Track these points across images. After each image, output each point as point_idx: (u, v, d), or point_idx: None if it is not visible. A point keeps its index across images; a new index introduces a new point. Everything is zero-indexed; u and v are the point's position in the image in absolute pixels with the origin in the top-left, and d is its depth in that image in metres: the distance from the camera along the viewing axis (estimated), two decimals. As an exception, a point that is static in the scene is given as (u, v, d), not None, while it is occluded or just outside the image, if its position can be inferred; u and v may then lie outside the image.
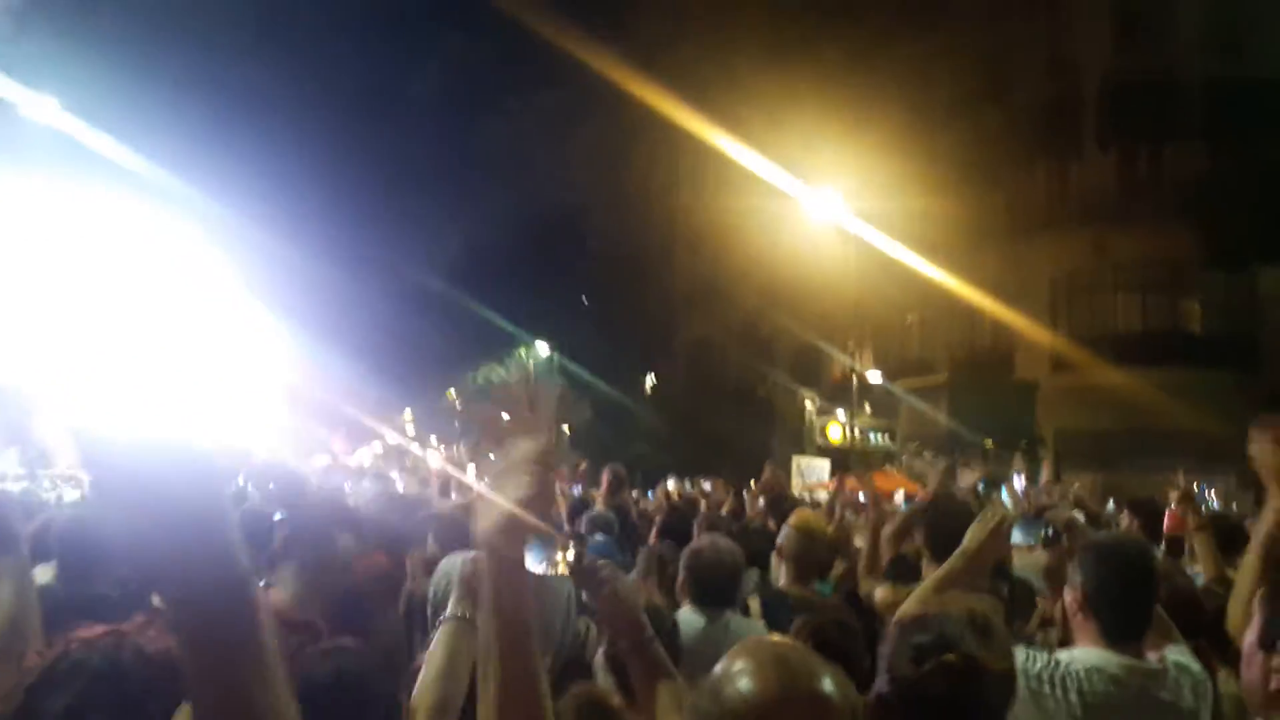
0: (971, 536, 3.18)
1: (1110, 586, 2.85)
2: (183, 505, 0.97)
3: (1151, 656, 2.78)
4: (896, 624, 2.32)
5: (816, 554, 4.56)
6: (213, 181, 21.26)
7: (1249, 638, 2.76)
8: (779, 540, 4.63)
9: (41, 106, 17.29)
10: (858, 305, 25.54)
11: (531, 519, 1.59)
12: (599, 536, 5.92)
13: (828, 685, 1.63)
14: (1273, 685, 1.56)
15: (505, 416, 1.66)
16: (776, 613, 3.99)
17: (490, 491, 1.59)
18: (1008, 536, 3.32)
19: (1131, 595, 2.86)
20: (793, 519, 4.65)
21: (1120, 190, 23.03)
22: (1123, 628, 2.81)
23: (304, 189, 35.08)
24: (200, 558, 0.98)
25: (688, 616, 3.69)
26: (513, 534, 1.60)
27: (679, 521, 5.91)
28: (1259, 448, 2.81)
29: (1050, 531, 3.90)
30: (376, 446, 17.22)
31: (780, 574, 4.59)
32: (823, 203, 21.07)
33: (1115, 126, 23.12)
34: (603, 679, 2.81)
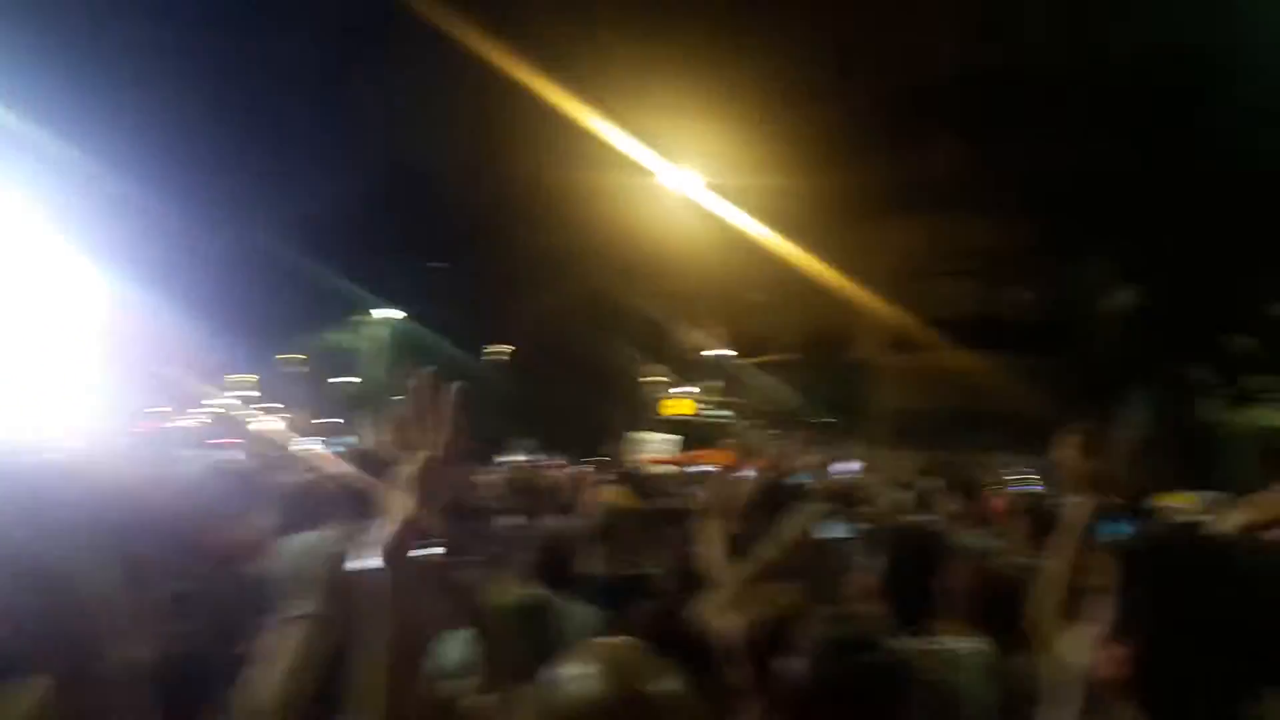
0: (786, 530, 3.30)
1: (899, 571, 3.06)
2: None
3: (947, 639, 2.96)
4: (812, 617, 2.39)
5: (626, 533, 4.55)
6: (60, 118, 19.96)
7: (1092, 629, 2.93)
8: (589, 521, 4.59)
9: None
10: (710, 282, 25.88)
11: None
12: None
13: (661, 685, 1.67)
14: (1118, 673, 1.67)
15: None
16: (589, 595, 3.98)
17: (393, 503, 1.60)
18: (818, 531, 3.47)
19: (918, 579, 3.05)
20: (601, 497, 4.65)
21: (961, 180, 23.91)
22: (914, 609, 2.97)
23: (158, 133, 33.06)
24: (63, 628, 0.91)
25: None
26: (403, 547, 1.60)
27: (529, 498, 5.89)
28: (1063, 452, 2.96)
29: (861, 527, 4.07)
30: (209, 410, 16.56)
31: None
32: (680, 178, 21.24)
33: (962, 117, 23.96)
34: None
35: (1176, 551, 1.80)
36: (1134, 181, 18.56)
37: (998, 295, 24.48)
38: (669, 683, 1.72)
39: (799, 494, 3.85)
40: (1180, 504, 7.53)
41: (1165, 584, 1.68)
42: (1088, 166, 20.18)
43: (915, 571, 3.04)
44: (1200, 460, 14.60)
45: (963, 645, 2.98)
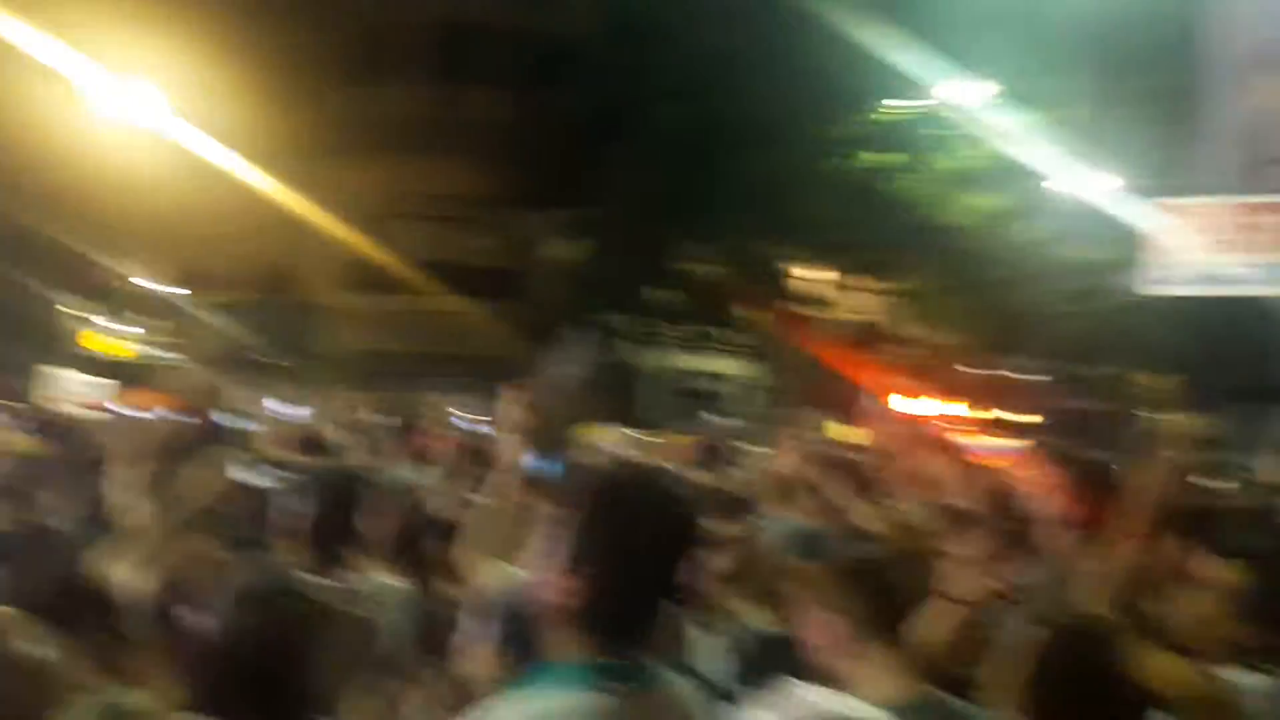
0: (208, 477, 3.21)
1: (324, 513, 3.16)
2: None
3: (369, 577, 3.07)
4: (228, 567, 2.27)
5: (32, 483, 4.20)
6: None
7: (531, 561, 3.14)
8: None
9: None
10: (158, 213, 23.82)
11: None
12: None
13: (34, 650, 1.57)
14: (568, 602, 1.76)
15: None
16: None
17: None
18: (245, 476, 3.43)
19: (342, 520, 3.17)
20: (4, 444, 4.25)
21: (428, 126, 24.15)
22: (338, 550, 3.10)
23: None
24: None
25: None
26: None
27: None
28: (504, 407, 3.10)
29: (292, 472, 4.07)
30: None
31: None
32: (130, 100, 19.06)
33: (433, 64, 24.17)
34: None
35: (625, 487, 1.93)
36: (579, 139, 19.91)
37: (455, 241, 25.14)
38: (43, 648, 1.58)
39: (227, 438, 3.71)
40: (606, 439, 8.31)
41: (616, 518, 1.77)
42: (541, 121, 21.30)
43: (340, 513, 3.06)
44: (622, 399, 16.18)
45: (383, 582, 3.06)
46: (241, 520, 3.50)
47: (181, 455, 3.55)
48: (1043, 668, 2.18)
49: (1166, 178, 15.08)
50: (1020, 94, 15.78)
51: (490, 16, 23.80)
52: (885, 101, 18.10)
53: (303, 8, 23.61)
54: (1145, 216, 14.43)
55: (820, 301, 21.44)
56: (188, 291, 26.01)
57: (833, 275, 21.27)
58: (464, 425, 8.36)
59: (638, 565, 1.74)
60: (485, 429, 7.74)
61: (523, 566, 2.41)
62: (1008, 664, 2.25)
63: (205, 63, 20.47)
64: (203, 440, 3.79)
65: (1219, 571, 2.97)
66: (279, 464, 4.32)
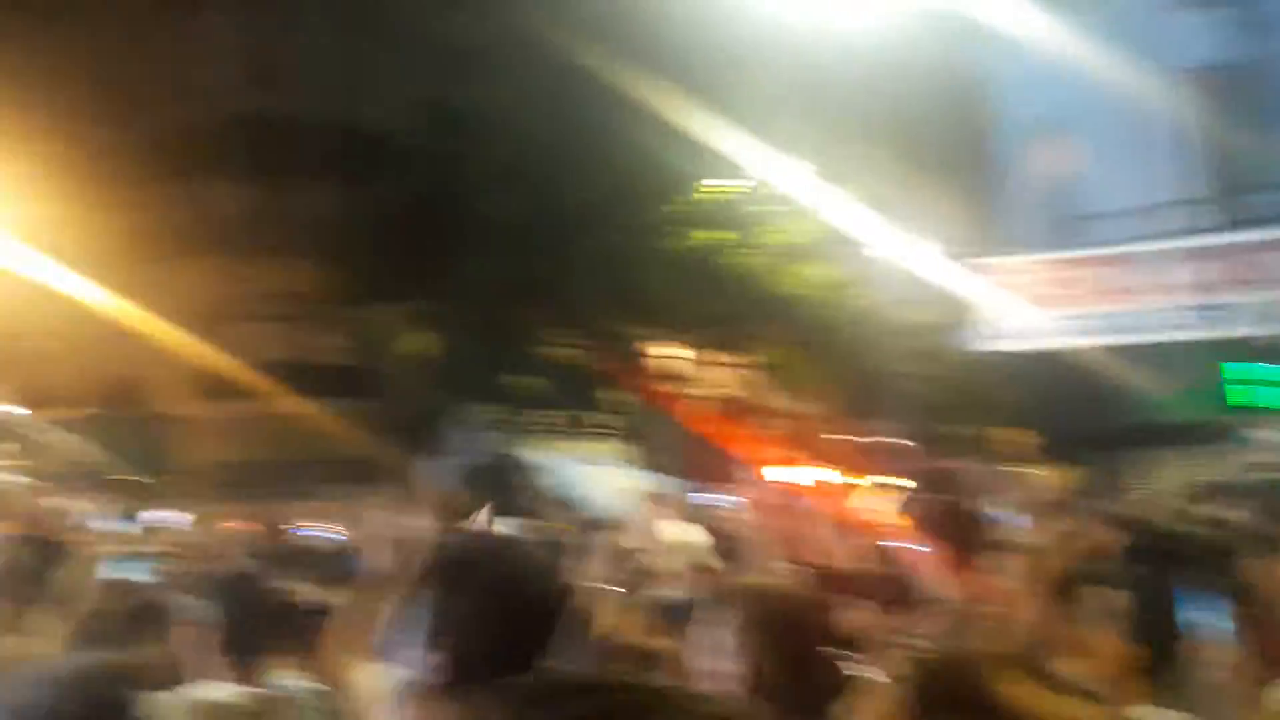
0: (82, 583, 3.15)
1: (230, 617, 3.11)
2: None
3: (278, 680, 3.02)
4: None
5: None
6: None
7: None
8: None
9: None
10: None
11: None
12: None
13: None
14: (437, 677, 1.77)
15: None
16: None
17: None
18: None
19: (249, 623, 3.12)
20: None
21: (255, 224, 23.61)
22: (247, 653, 3.04)
23: None
24: None
25: None
26: None
27: None
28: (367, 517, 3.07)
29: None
30: None
31: None
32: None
33: (245, 160, 23.69)
34: None
35: (462, 556, 1.95)
36: (410, 231, 19.79)
37: (301, 341, 24.50)
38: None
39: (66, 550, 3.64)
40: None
41: (457, 586, 1.79)
42: (374, 214, 21.12)
43: (245, 616, 3.02)
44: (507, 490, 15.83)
45: (293, 684, 3.02)
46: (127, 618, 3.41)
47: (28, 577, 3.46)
48: (913, 702, 2.11)
49: (975, 239, 15.99)
50: (832, 170, 16.55)
51: (304, 109, 23.62)
52: (706, 181, 18.58)
53: (109, 108, 22.91)
54: (964, 277, 15.27)
55: (680, 378, 21.65)
56: (28, 411, 24.59)
57: (689, 352, 21.52)
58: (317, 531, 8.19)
59: (497, 634, 1.75)
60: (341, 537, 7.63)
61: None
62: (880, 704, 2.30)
63: (15, 173, 19.68)
64: (47, 562, 3.68)
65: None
66: (177, 571, 4.21)
